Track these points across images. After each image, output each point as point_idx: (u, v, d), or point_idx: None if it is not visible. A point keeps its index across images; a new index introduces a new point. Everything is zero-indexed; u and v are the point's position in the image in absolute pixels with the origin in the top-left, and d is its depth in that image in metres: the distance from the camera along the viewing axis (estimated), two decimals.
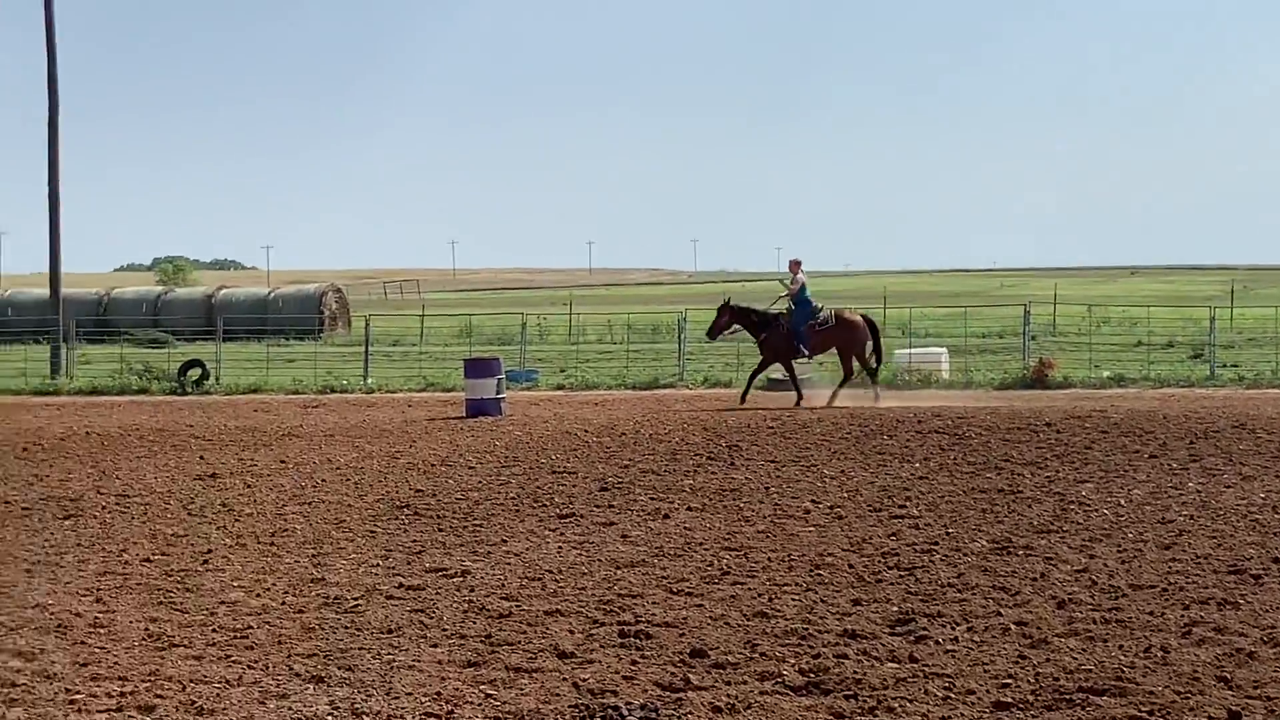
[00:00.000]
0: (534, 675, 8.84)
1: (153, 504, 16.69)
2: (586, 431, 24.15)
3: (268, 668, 9.12)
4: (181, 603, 11.21)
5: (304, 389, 37.12)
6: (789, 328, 29.84)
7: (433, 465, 19.91)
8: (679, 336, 41.57)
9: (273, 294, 67.71)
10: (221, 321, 46.74)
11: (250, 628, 10.27)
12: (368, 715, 8.05)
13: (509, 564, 12.57)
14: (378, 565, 12.67)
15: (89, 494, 17.56)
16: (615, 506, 15.77)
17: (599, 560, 12.65)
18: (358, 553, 13.31)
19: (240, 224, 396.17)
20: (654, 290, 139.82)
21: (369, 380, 38.24)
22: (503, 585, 11.63)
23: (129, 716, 8.11)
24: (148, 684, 8.77)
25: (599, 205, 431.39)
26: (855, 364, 29.98)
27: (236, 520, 15.40)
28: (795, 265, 30.97)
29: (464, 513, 15.61)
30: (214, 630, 10.23)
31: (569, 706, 8.15)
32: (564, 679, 8.74)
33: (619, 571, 12.12)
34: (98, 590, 11.76)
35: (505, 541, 13.73)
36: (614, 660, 9.18)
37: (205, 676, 8.92)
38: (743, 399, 29.80)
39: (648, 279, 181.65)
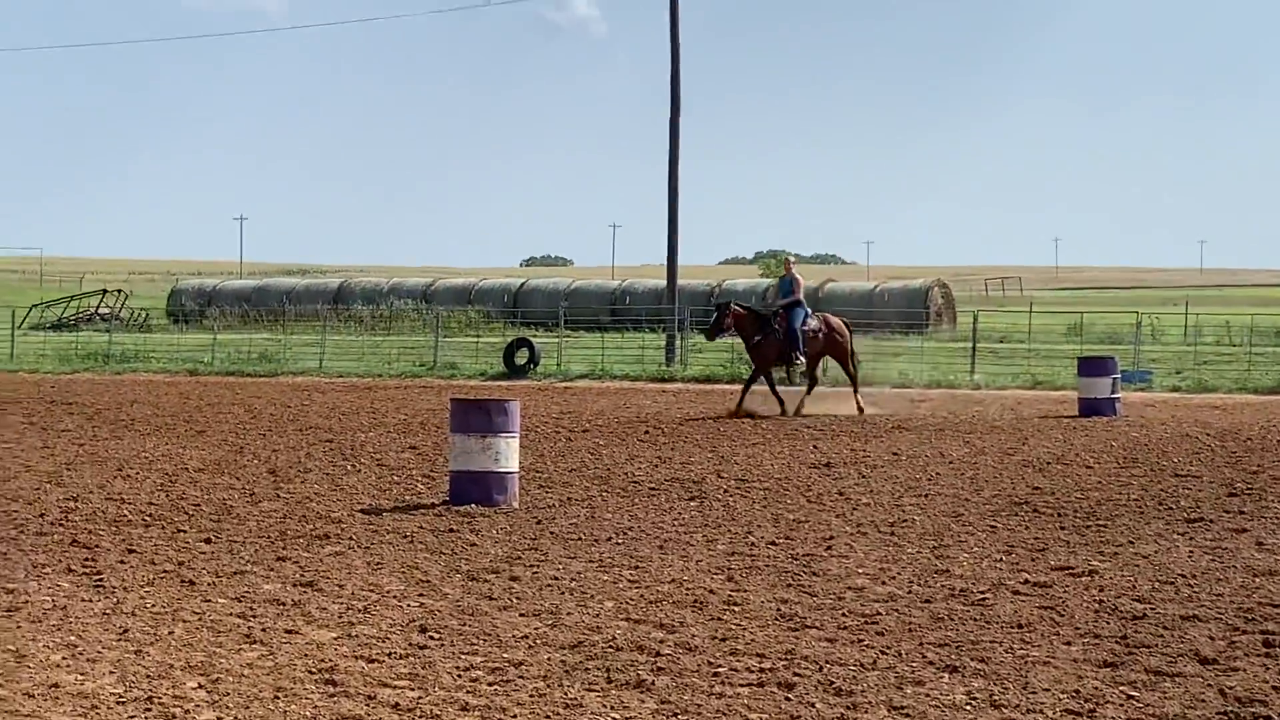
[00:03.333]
0: (1176, 679, 8.53)
1: (772, 489, 17.07)
2: (1208, 434, 23.25)
3: (900, 654, 9.16)
4: (809, 585, 11.41)
5: (911, 383, 37.25)
6: (786, 330, 27.63)
7: (1048, 463, 19.58)
8: None
9: (878, 288, 68.26)
10: None
11: (879, 614, 10.34)
12: (1005, 708, 7.96)
13: (1138, 565, 12.21)
14: (1000, 560, 12.54)
15: (710, 477, 18.13)
16: (1246, 513, 15.07)
17: (1233, 567, 12.11)
18: (979, 546, 13.22)
19: (840, 220, 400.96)
20: (1274, 292, 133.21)
21: (976, 376, 38.03)
22: (1133, 587, 11.30)
23: (770, 692, 8.29)
24: (785, 662, 8.95)
25: (1211, 203, 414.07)
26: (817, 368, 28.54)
27: (854, 509, 15.56)
28: (790, 264, 28.88)
29: (1085, 512, 15.27)
30: (844, 614, 10.35)
31: (1216, 713, 7.82)
32: (1208, 685, 8.40)
33: (1256, 579, 11.57)
34: (728, 569, 12.11)
35: (1132, 543, 13.34)
36: (1260, 669, 8.75)
37: (840, 659, 9.03)
38: (739, 410, 27.23)
39: (1268, 280, 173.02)
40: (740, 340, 29.48)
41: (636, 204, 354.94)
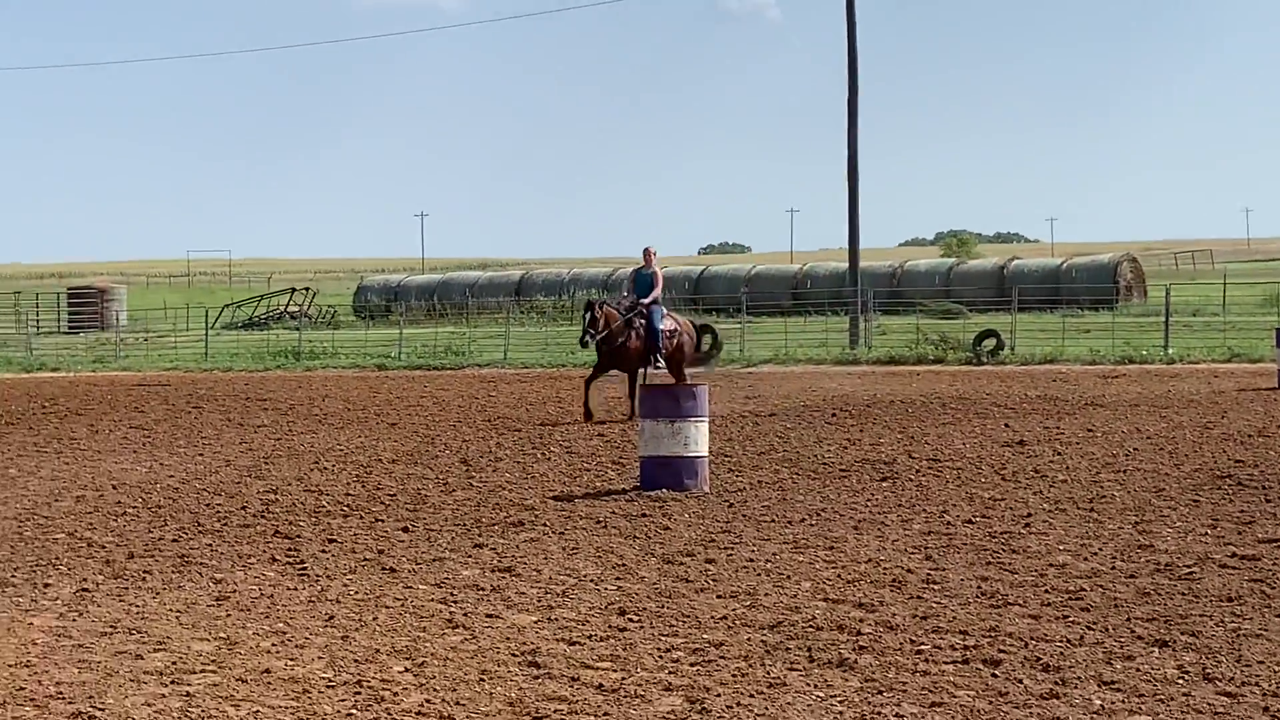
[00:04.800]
0: None
1: (965, 468, 16.87)
2: None
3: (1108, 629, 9.00)
4: (1009, 563, 11.25)
5: (1101, 359, 36.64)
6: (648, 329, 24.57)
7: (1249, 436, 19.12)
8: None
9: (1065, 264, 67.19)
10: (1015, 292, 46.84)
11: (1083, 590, 10.17)
12: (1219, 680, 7.78)
13: None
14: (1206, 534, 12.27)
15: (901, 457, 17.97)
16: None
17: None
18: (1182, 521, 12.94)
19: (1022, 197, 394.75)
20: None
21: (1169, 350, 37.28)
22: None
23: (975, 669, 8.18)
24: (989, 639, 8.84)
25: None
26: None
27: (1051, 486, 15.32)
28: (651, 255, 25.12)
29: None
30: (1047, 591, 10.20)
31: None
32: None
33: None
34: (925, 548, 11.99)
35: None
36: None
37: (1045, 635, 8.90)
38: (589, 416, 23.90)
39: None
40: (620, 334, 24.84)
41: (813, 188, 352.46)
